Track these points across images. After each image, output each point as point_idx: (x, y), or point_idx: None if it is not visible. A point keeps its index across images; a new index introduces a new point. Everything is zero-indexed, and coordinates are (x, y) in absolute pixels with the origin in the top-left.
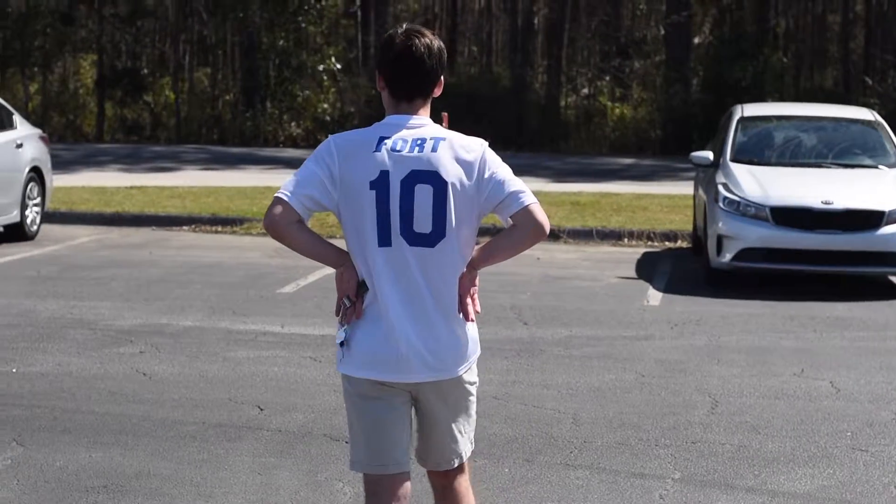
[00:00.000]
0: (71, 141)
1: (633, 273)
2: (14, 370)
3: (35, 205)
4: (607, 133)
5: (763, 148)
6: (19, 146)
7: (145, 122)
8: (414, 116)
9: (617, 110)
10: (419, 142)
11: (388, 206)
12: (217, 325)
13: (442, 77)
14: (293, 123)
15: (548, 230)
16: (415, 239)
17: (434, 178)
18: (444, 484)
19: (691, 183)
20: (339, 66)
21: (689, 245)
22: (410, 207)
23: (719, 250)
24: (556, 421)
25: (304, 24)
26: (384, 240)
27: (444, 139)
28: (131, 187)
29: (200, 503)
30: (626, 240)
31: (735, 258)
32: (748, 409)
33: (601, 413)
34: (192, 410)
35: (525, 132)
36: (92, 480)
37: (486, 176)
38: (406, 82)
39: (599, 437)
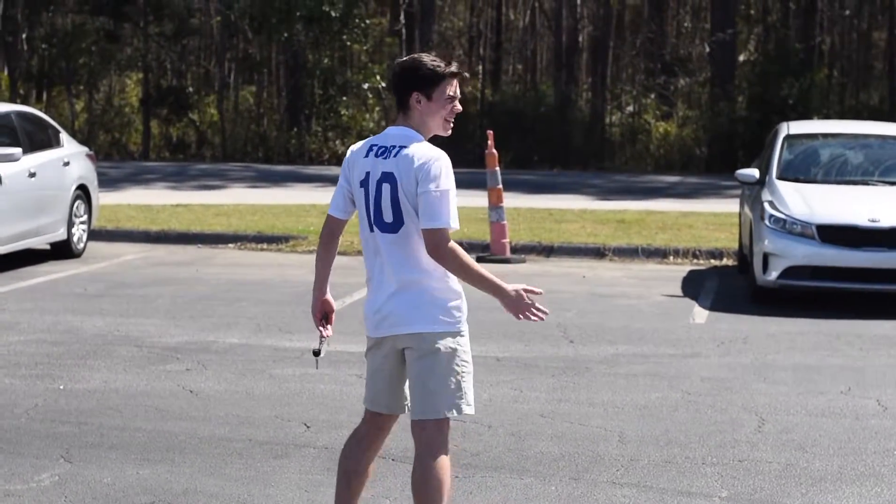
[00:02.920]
0: (117, 159)
1: (678, 291)
2: (61, 387)
3: (82, 223)
4: (652, 151)
5: (809, 165)
6: (66, 164)
7: (191, 140)
8: (395, 127)
9: (661, 128)
10: (391, 148)
11: (368, 200)
12: (263, 343)
13: (415, 93)
14: (338, 141)
15: (439, 255)
16: (384, 227)
17: (391, 179)
18: (418, 436)
19: (736, 201)
20: (383, 84)
21: (735, 263)
22: (379, 202)
23: (765, 268)
24: (602, 439)
25: (348, 43)
26: (369, 227)
27: (406, 147)
28: (177, 205)
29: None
30: (671, 257)
31: (781, 276)
32: (795, 428)
33: (647, 431)
34: (239, 428)
35: (570, 150)
36: (139, 497)
37: (420, 188)
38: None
39: (646, 456)
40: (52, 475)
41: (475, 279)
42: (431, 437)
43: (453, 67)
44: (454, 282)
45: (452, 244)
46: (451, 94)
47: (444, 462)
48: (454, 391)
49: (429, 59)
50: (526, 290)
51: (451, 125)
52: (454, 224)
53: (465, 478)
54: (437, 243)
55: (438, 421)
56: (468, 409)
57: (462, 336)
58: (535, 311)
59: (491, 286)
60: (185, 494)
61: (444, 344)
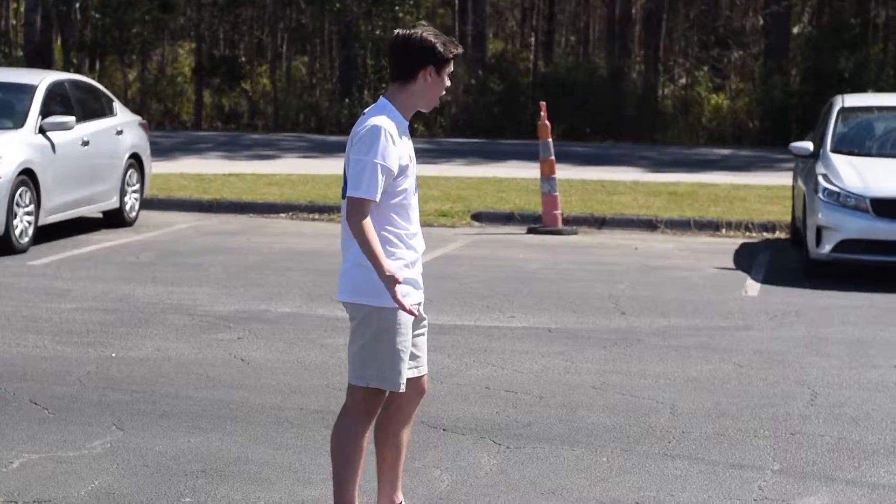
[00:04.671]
0: (169, 128)
1: (730, 264)
2: (113, 355)
3: (134, 191)
4: (705, 123)
5: (863, 139)
6: (119, 133)
7: (243, 110)
8: (382, 97)
9: (714, 101)
10: (362, 118)
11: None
12: (314, 312)
13: (429, 67)
14: None
15: (350, 223)
16: (343, 192)
17: (348, 146)
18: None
19: (789, 174)
20: None
21: (788, 236)
22: (344, 169)
23: (818, 241)
24: (654, 411)
25: (401, 13)
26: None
27: (366, 117)
28: (229, 174)
29: (299, 489)
30: (723, 230)
31: (834, 249)
32: (847, 402)
33: (699, 403)
34: (290, 396)
35: (622, 122)
36: (191, 465)
37: (350, 155)
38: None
39: (698, 428)
40: (104, 442)
41: (368, 255)
42: (352, 398)
43: (459, 49)
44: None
45: (366, 219)
46: (451, 72)
47: (350, 428)
48: (364, 365)
49: (435, 35)
50: (398, 284)
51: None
52: (368, 195)
53: (516, 448)
54: (349, 211)
55: (353, 388)
56: (378, 384)
57: (384, 311)
58: (399, 301)
59: (376, 264)
60: (237, 463)
61: (362, 316)
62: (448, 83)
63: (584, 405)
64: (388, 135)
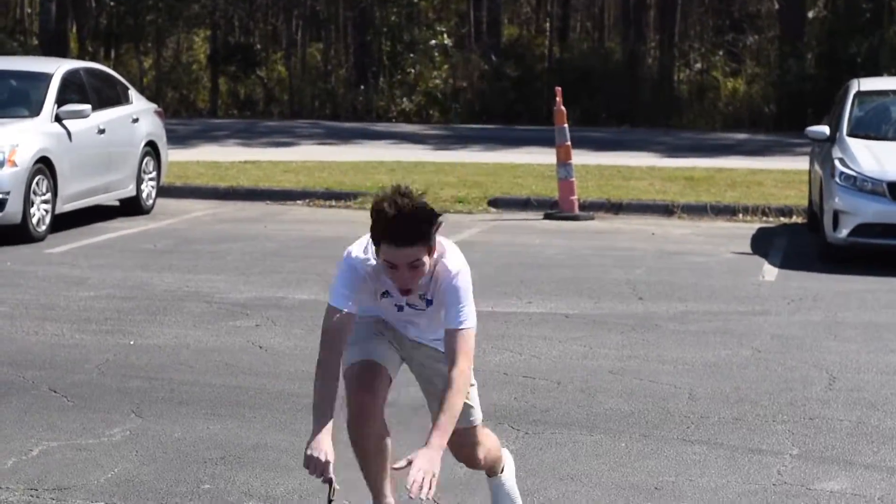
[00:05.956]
0: (185, 116)
1: (747, 248)
2: (132, 342)
3: (151, 179)
4: (720, 108)
5: (880, 122)
6: (135, 121)
7: (258, 98)
8: None
9: (730, 85)
10: None
11: None
12: None
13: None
14: (405, 98)
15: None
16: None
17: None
18: None
19: (806, 158)
20: (450, 41)
21: (805, 220)
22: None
23: (835, 226)
24: (672, 396)
25: (415, 0)
26: None
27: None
28: (245, 162)
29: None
30: (740, 215)
31: (852, 234)
32: (866, 386)
33: (717, 388)
34: (308, 383)
35: (638, 107)
36: (210, 452)
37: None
38: None
39: (716, 413)
40: (123, 430)
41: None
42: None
43: (391, 238)
44: None
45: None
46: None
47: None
48: None
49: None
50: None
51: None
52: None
53: (534, 434)
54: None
55: None
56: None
57: None
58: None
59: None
60: (255, 449)
61: None
62: (392, 273)
63: (602, 390)
64: None
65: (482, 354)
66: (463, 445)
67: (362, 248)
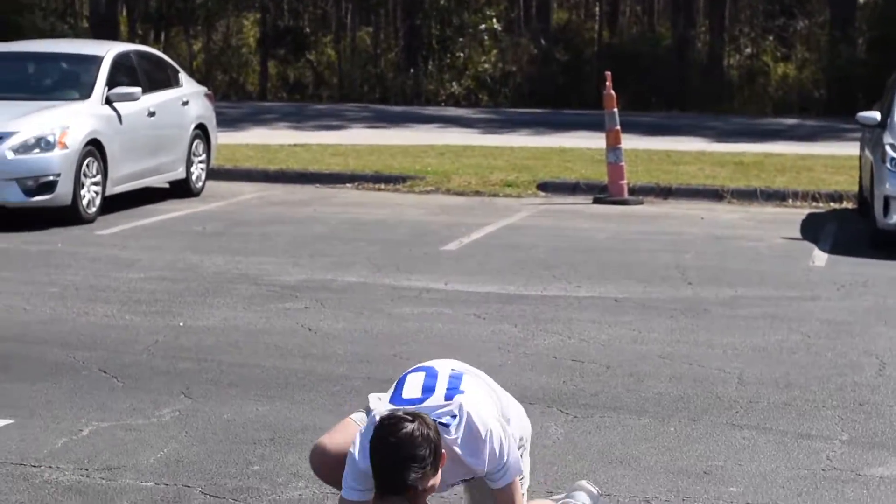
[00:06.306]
0: (234, 99)
1: (797, 234)
2: (181, 324)
3: (200, 161)
4: (770, 93)
5: None
6: (185, 104)
7: (307, 81)
8: None
9: (780, 70)
10: None
11: None
12: (381, 282)
13: None
14: (454, 83)
15: None
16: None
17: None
18: None
19: (856, 144)
20: (499, 26)
21: (855, 206)
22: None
23: (886, 211)
24: (721, 381)
25: None
26: None
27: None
28: (295, 145)
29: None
30: (790, 200)
31: None
32: None
33: (767, 373)
34: (358, 366)
35: (687, 92)
36: (259, 433)
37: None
38: None
39: (765, 398)
40: (173, 410)
41: None
42: None
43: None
44: None
45: None
46: None
47: None
48: None
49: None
50: None
51: None
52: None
53: (583, 417)
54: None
55: None
56: None
57: None
58: None
59: None
60: (304, 431)
61: None
62: None
63: (651, 375)
64: None
65: (531, 337)
66: None
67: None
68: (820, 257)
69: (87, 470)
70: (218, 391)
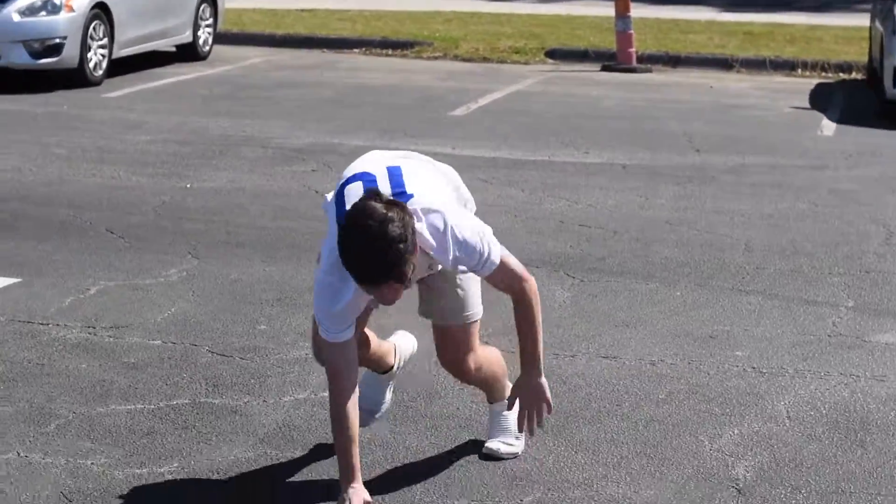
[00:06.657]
0: None
1: (806, 103)
2: (188, 185)
3: (207, 25)
4: None
5: None
6: None
7: None
8: None
9: None
10: None
11: None
12: (388, 145)
13: None
14: None
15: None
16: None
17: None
18: None
19: (866, 14)
20: None
21: (864, 77)
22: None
23: (895, 82)
24: (728, 247)
25: None
26: None
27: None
28: (302, 10)
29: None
30: (799, 70)
31: None
32: None
33: (774, 240)
34: None
35: None
36: (266, 293)
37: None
38: None
39: (772, 264)
40: (180, 270)
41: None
42: None
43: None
44: None
45: None
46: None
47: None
48: None
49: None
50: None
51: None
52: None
53: (590, 282)
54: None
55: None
56: None
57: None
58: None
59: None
60: (311, 291)
61: None
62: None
63: (658, 240)
64: None
65: (538, 202)
66: (450, 347)
67: (331, 262)
68: (828, 127)
69: (94, 328)
70: (225, 251)
